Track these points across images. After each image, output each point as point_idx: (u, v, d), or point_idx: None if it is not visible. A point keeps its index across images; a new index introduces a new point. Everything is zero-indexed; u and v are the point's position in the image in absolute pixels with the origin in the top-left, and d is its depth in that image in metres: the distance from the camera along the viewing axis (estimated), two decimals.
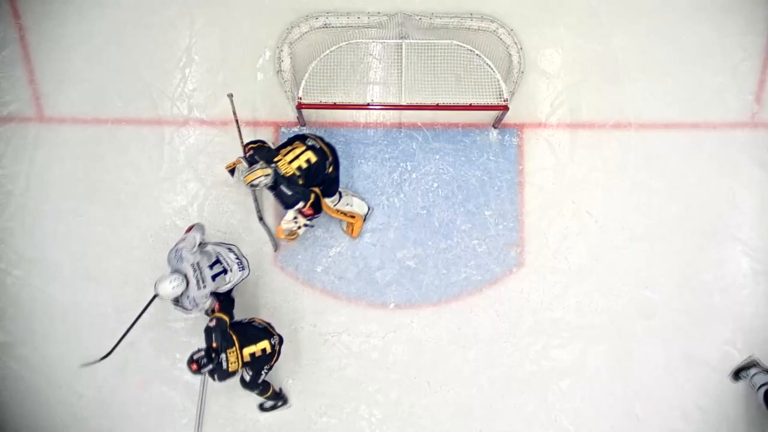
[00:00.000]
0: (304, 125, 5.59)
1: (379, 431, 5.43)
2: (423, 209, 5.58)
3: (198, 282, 4.75)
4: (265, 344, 4.82)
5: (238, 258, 5.01)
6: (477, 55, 5.21)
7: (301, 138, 4.97)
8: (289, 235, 5.30)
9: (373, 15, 5.63)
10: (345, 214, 5.42)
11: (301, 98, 5.19)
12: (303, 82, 5.17)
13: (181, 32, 5.66)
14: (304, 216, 5.04)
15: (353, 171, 5.59)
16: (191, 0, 5.67)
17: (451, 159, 5.61)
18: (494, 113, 5.46)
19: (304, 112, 5.39)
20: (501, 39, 5.64)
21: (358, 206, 5.48)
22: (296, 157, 4.87)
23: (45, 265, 5.49)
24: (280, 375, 5.41)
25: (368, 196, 5.57)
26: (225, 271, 4.92)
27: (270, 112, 5.63)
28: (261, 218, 5.50)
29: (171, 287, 4.66)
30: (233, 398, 5.38)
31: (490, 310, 5.51)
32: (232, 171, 5.09)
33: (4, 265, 5.50)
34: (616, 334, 5.48)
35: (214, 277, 4.84)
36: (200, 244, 4.86)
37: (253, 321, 4.94)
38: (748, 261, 5.53)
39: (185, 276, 4.72)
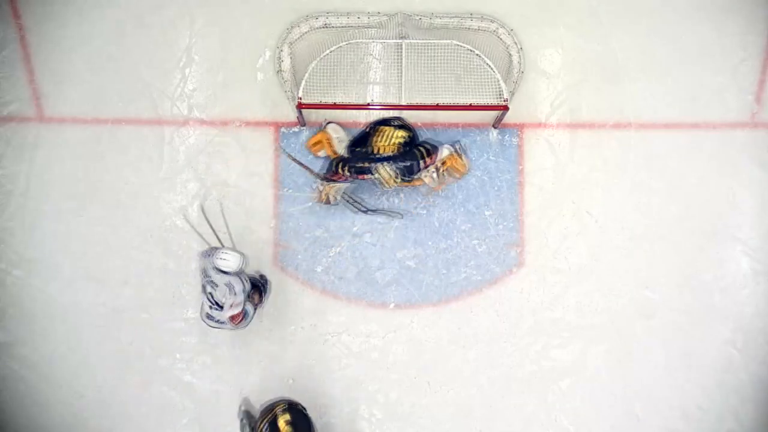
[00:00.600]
0: (304, 125, 5.59)
1: (379, 431, 5.43)
2: (423, 209, 5.58)
3: (223, 291, 4.85)
4: (284, 417, 4.65)
5: (223, 322, 4.96)
6: (477, 55, 5.21)
7: (383, 122, 5.22)
8: (439, 184, 5.38)
9: (373, 15, 5.63)
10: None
11: (301, 98, 5.19)
12: (303, 82, 5.17)
13: (181, 32, 5.66)
14: (433, 164, 5.23)
15: None
16: (191, 0, 5.67)
17: None
18: (494, 113, 5.46)
19: (304, 112, 5.40)
20: (501, 39, 5.64)
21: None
22: (390, 136, 5.13)
23: (45, 265, 5.49)
24: (279, 375, 5.43)
25: (368, 196, 5.56)
26: (219, 307, 4.91)
27: (270, 112, 5.63)
28: (368, 211, 5.48)
29: (234, 262, 4.81)
30: (239, 397, 5.40)
31: (490, 310, 5.51)
32: (327, 200, 5.34)
33: (4, 265, 5.50)
34: (616, 334, 5.47)
35: (213, 303, 4.89)
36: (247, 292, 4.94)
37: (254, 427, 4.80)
38: (748, 261, 5.53)
39: (232, 281, 4.84)
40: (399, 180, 5.17)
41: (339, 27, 5.64)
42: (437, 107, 5.24)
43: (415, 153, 5.18)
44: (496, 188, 5.59)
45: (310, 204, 5.56)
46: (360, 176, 5.17)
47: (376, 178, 5.16)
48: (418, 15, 5.59)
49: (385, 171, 5.09)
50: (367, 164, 5.13)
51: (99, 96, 5.60)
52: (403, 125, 5.24)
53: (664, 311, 5.48)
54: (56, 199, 5.53)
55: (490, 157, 5.62)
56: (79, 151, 5.56)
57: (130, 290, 5.47)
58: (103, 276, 5.48)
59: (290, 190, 5.58)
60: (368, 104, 5.44)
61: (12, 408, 5.40)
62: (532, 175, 5.60)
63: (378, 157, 5.12)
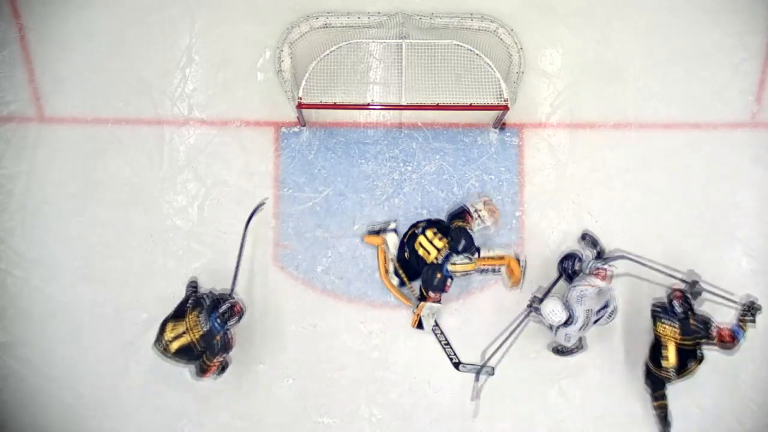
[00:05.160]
0: (304, 125, 5.60)
1: (379, 431, 5.43)
2: (423, 209, 5.58)
3: (584, 324, 4.89)
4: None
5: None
6: (477, 55, 5.21)
7: (412, 237, 5.20)
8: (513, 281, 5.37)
9: (373, 15, 5.63)
10: (493, 258, 5.30)
11: (301, 98, 5.19)
12: (303, 82, 5.17)
13: (181, 32, 5.66)
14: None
15: (353, 171, 5.60)
16: (191, 0, 5.68)
17: (451, 159, 5.62)
18: (494, 113, 5.46)
19: (304, 112, 5.40)
20: (501, 39, 5.64)
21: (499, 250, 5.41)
22: (429, 239, 5.11)
23: (45, 265, 5.49)
24: (280, 375, 5.42)
25: (368, 196, 5.57)
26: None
27: (270, 112, 5.63)
28: (459, 365, 5.44)
29: (552, 312, 4.84)
30: (239, 397, 5.40)
31: (490, 310, 5.51)
32: (420, 324, 5.32)
33: (4, 265, 5.50)
34: (616, 334, 5.47)
35: (596, 321, 4.97)
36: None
37: None
38: (748, 261, 5.53)
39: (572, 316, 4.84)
40: (476, 259, 5.11)
41: (339, 27, 5.64)
42: (437, 107, 5.24)
43: (454, 229, 5.08)
44: (496, 188, 5.59)
45: (310, 204, 5.56)
46: (447, 287, 5.08)
47: (460, 275, 5.11)
48: (418, 15, 5.59)
49: (462, 264, 5.04)
50: (439, 275, 5.03)
51: (99, 96, 5.60)
52: (421, 223, 5.21)
53: None
54: (56, 199, 5.53)
55: (491, 157, 5.62)
56: (79, 151, 5.56)
57: (130, 290, 5.47)
58: (103, 276, 5.48)
59: (290, 190, 5.58)
60: (368, 104, 5.45)
61: (12, 408, 5.40)
62: (532, 175, 5.60)
63: (439, 262, 5.07)
